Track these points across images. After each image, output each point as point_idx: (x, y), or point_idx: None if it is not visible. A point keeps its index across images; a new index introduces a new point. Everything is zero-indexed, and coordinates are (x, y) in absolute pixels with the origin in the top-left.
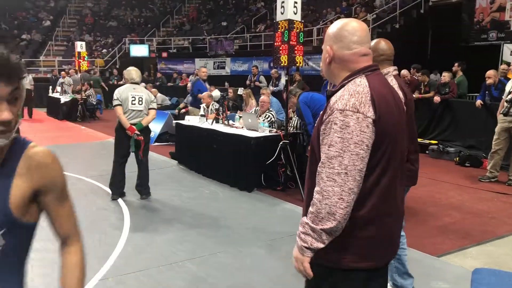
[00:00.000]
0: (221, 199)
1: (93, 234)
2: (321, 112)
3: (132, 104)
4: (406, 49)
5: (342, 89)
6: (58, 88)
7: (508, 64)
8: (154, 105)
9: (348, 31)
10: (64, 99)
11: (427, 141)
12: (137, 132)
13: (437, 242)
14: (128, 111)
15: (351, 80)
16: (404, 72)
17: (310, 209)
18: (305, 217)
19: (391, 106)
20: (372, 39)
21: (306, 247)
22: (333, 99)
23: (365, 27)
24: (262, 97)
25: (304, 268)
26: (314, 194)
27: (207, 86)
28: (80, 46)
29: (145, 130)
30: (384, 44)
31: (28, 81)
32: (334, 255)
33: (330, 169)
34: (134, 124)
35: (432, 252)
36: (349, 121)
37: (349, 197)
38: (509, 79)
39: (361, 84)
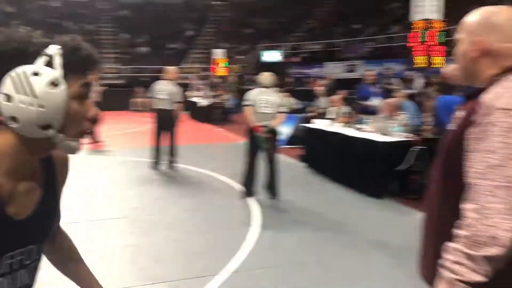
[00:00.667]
0: (348, 204)
1: (223, 229)
2: (457, 115)
3: (260, 107)
4: None
5: (493, 87)
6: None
7: None
8: (283, 109)
9: (506, 20)
10: (203, 103)
11: None
12: (263, 131)
13: None
14: (257, 114)
15: (503, 78)
16: None
17: (462, 232)
18: (453, 244)
19: None
20: None
21: (459, 280)
22: (486, 97)
23: None
24: (387, 100)
25: None
26: (468, 213)
27: (374, 90)
28: (219, 54)
29: (273, 133)
30: None
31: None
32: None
33: (489, 181)
34: (265, 126)
35: None
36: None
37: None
38: None
39: None
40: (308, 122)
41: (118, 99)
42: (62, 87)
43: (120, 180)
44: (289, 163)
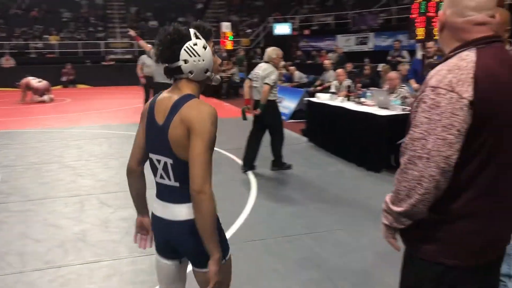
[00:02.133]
0: (347, 178)
1: (220, 202)
2: None
3: (253, 81)
4: None
5: (444, 62)
6: None
7: None
8: (268, 80)
9: None
10: None
11: None
12: (248, 106)
13: None
14: (253, 87)
15: (457, 53)
16: None
17: (394, 187)
18: (388, 195)
19: (503, 88)
20: None
21: (387, 225)
22: (430, 73)
23: None
24: (390, 73)
25: (391, 243)
26: (397, 173)
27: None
28: (225, 27)
29: (270, 107)
30: (509, 15)
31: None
32: (421, 245)
33: (412, 151)
34: (258, 100)
35: None
36: (440, 100)
37: (429, 184)
38: None
39: (466, 58)
40: (313, 96)
41: (127, 73)
42: (208, 48)
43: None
44: (292, 137)
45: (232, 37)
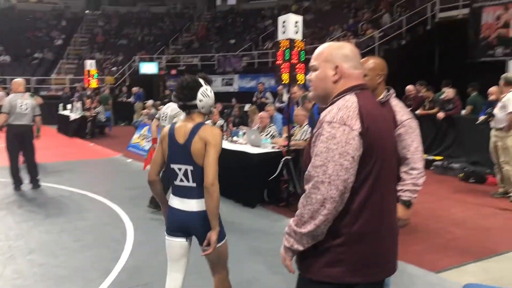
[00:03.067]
0: (223, 214)
1: (96, 249)
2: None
3: (161, 120)
4: (412, 66)
5: (332, 104)
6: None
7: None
8: (177, 120)
9: (353, 52)
10: (73, 116)
11: (431, 158)
12: (154, 145)
13: (436, 258)
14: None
15: (341, 97)
16: (409, 87)
17: (297, 212)
18: (291, 219)
19: (378, 123)
20: (379, 55)
21: (287, 247)
22: (323, 113)
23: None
24: (261, 113)
25: (287, 266)
26: (301, 199)
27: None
28: (90, 64)
29: None
30: (384, 63)
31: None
32: (326, 269)
33: (315, 177)
34: None
35: (431, 268)
36: (335, 132)
37: (331, 205)
38: None
39: (350, 100)
40: None
41: None
42: (211, 92)
43: None
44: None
45: (97, 75)
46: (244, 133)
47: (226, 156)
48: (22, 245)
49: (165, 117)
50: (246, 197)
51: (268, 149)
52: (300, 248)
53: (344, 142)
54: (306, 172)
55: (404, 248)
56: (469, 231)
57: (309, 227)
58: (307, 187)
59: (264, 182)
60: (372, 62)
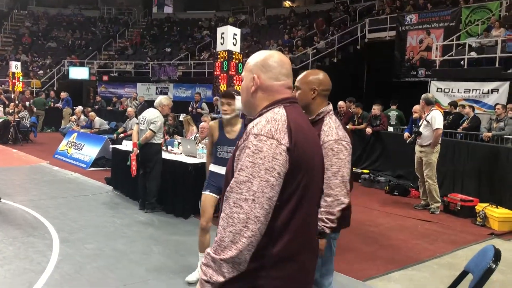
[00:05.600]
0: (156, 226)
1: (19, 261)
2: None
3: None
4: (343, 82)
5: (260, 116)
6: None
7: (430, 102)
8: (152, 127)
9: (277, 63)
10: None
11: (359, 171)
12: (134, 148)
13: (364, 267)
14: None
15: (270, 109)
16: (340, 103)
17: (215, 238)
18: (209, 248)
19: (308, 139)
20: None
21: (205, 281)
22: (250, 125)
23: (289, 61)
24: (202, 123)
25: None
26: (220, 220)
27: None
28: (15, 66)
29: (153, 149)
30: (327, 79)
31: None
32: None
33: (237, 194)
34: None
35: (358, 277)
36: (262, 146)
37: (255, 226)
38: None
39: (279, 113)
40: (117, 143)
41: None
42: None
43: None
44: (95, 186)
45: (22, 77)
46: (179, 143)
47: (160, 165)
48: None
49: (144, 121)
50: (179, 208)
51: (203, 159)
52: (220, 279)
53: (271, 157)
54: (228, 189)
55: (335, 257)
56: (394, 241)
57: (230, 253)
58: (227, 205)
59: (199, 193)
60: (309, 75)
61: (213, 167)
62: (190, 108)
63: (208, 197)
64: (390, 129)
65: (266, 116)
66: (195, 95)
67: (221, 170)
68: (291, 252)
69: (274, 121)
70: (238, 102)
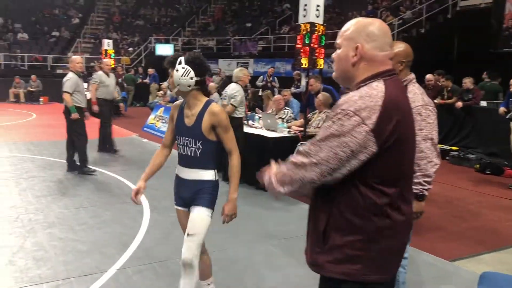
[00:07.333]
0: (240, 198)
1: (115, 225)
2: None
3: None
4: (431, 54)
5: (357, 90)
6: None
7: None
8: (233, 101)
9: (381, 31)
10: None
11: (447, 147)
12: None
13: (451, 247)
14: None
15: (368, 83)
16: (428, 76)
17: (288, 164)
18: (277, 173)
19: (407, 115)
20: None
21: (267, 183)
22: (342, 99)
23: (390, 30)
24: (276, 96)
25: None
26: (293, 159)
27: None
28: (107, 44)
29: (235, 123)
30: (410, 49)
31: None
32: (347, 266)
33: (306, 152)
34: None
35: (445, 257)
36: (344, 120)
37: (304, 186)
38: None
39: (377, 88)
40: None
41: None
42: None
43: None
44: None
45: (114, 55)
46: (260, 117)
47: (242, 140)
48: (42, 219)
49: (226, 96)
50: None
51: (284, 133)
52: (282, 191)
53: (349, 133)
54: (304, 146)
55: (418, 236)
56: (485, 222)
57: (285, 190)
58: (299, 157)
59: None
60: (394, 47)
61: (177, 168)
62: (263, 82)
63: (178, 213)
64: (483, 103)
65: (361, 91)
66: (268, 70)
67: (182, 172)
68: (390, 226)
69: (368, 97)
70: (178, 74)
